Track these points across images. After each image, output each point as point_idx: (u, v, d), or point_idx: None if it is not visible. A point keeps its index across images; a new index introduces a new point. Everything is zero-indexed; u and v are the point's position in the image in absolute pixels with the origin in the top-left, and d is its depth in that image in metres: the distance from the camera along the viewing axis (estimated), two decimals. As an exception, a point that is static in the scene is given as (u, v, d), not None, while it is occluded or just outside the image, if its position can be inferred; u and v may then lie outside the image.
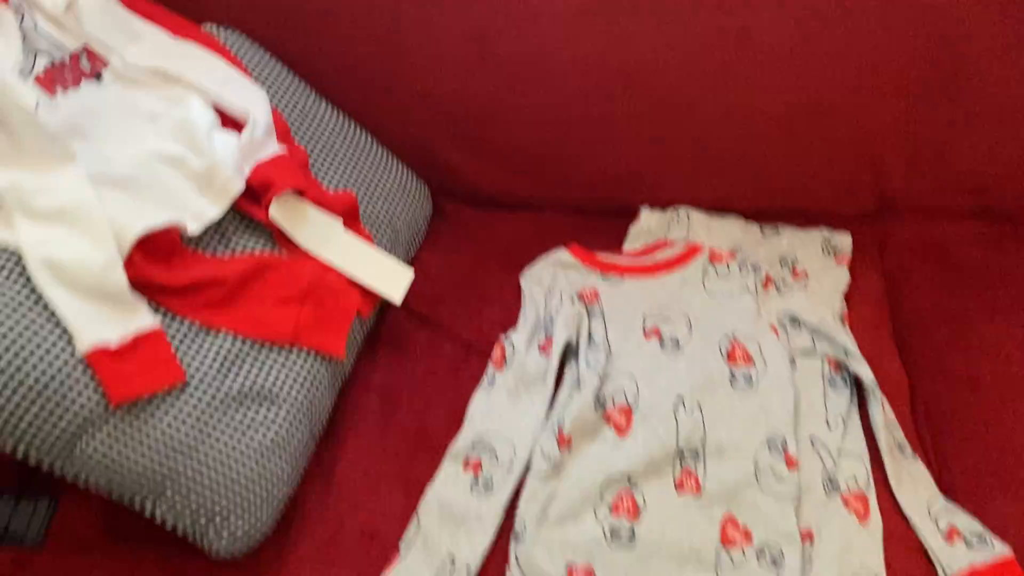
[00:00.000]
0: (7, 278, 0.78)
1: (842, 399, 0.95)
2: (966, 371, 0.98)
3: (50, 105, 0.87)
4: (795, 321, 1.01)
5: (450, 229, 1.16)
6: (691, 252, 1.08)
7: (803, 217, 1.15)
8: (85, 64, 0.92)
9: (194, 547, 0.84)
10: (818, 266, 1.09)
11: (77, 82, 0.91)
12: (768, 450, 0.89)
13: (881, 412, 0.92)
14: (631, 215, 1.16)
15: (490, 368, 0.98)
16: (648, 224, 1.15)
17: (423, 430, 0.94)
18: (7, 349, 0.74)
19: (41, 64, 0.89)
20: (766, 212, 1.16)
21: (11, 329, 0.75)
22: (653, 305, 1.04)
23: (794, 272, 1.08)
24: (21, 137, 0.82)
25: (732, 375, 0.95)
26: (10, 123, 0.81)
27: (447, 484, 0.90)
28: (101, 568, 0.85)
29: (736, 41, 1.03)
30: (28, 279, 0.78)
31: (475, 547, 0.85)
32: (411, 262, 1.11)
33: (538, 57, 1.06)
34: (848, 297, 1.07)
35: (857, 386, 0.96)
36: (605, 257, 1.10)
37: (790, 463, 0.88)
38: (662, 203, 1.16)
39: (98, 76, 0.92)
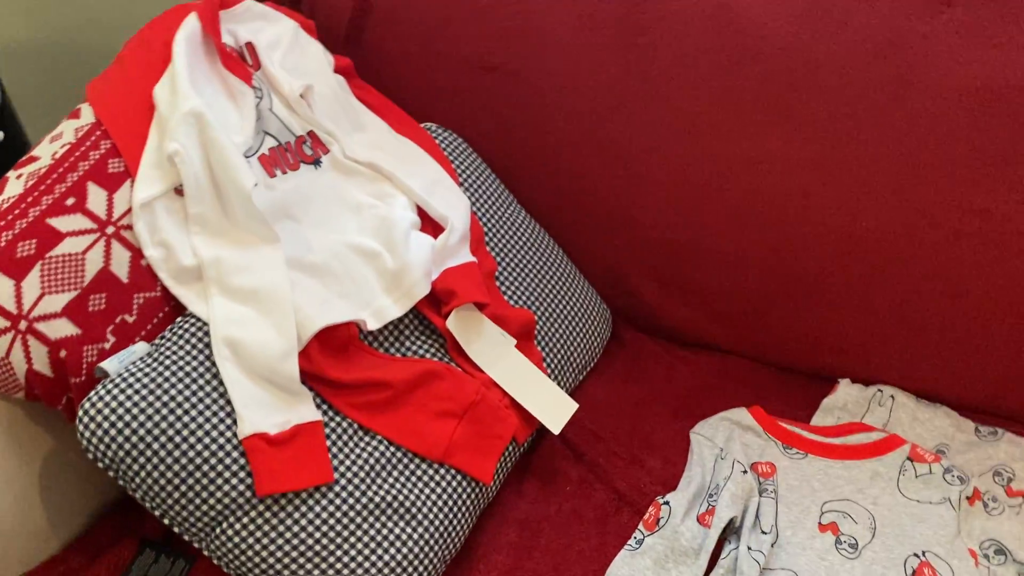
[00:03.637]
0: (194, 346, 0.81)
1: (1046, 660, 0.80)
2: None
3: (267, 184, 0.91)
4: (1000, 552, 0.87)
5: (626, 359, 1.11)
6: (890, 443, 0.96)
7: (1026, 424, 1.01)
8: (308, 149, 0.96)
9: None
10: (1040, 487, 0.94)
11: (297, 166, 0.94)
12: None
13: None
14: (827, 383, 1.06)
15: (640, 529, 0.91)
16: (846, 398, 1.04)
17: (557, 578, 0.88)
18: (174, 421, 0.76)
19: (268, 144, 0.93)
20: (981, 410, 1.02)
21: (183, 401, 0.77)
22: (835, 495, 0.93)
23: (1008, 490, 0.94)
24: (234, 214, 0.86)
25: (915, 601, 0.83)
26: (228, 199, 0.85)
27: (573, 649, 0.83)
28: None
29: (982, 222, 0.92)
30: (209, 353, 0.80)
31: None
32: (579, 387, 1.06)
33: (753, 204, 1.00)
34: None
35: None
36: (790, 427, 1.00)
37: None
38: (864, 378, 1.05)
39: (317, 162, 0.96)
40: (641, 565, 0.88)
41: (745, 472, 0.94)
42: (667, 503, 0.92)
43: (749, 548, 0.87)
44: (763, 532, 0.89)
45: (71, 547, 0.90)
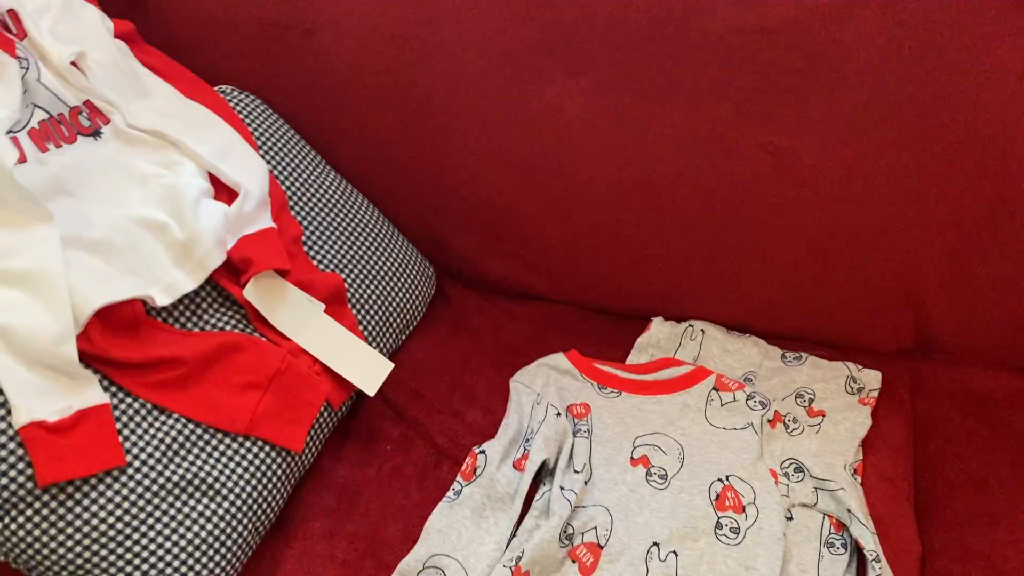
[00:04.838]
0: (-42, 338, 0.76)
1: (838, 566, 0.85)
2: (987, 551, 0.87)
3: (40, 160, 0.86)
4: (799, 470, 0.92)
5: (450, 315, 1.11)
6: (697, 375, 1.00)
7: (830, 348, 1.06)
8: (85, 120, 0.90)
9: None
10: (837, 405, 0.99)
11: (73, 138, 0.89)
12: (743, 616, 0.80)
13: (880, 588, 0.82)
14: (643, 322, 1.09)
15: (458, 479, 0.92)
16: (658, 336, 1.08)
17: (377, 538, 0.88)
18: (-61, 416, 0.72)
19: (38, 117, 0.87)
20: (789, 337, 1.07)
21: (-53, 395, 0.73)
22: (647, 429, 0.96)
23: (809, 410, 0.99)
24: (1, 193, 0.80)
25: (718, 523, 0.87)
26: (-11, 179, 0.80)
27: (388, 605, 0.84)
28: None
29: (773, 158, 0.95)
30: (-24, 342, 0.76)
31: None
32: (401, 347, 1.06)
33: (556, 156, 1.00)
34: (867, 443, 0.97)
35: (860, 555, 0.86)
36: (605, 367, 1.03)
37: (765, 633, 0.79)
38: (677, 316, 1.09)
39: (97, 133, 0.91)
40: (459, 515, 0.89)
41: (559, 415, 0.96)
42: (483, 452, 0.93)
43: (562, 488, 0.89)
44: (576, 471, 0.91)
45: None
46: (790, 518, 0.88)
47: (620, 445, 0.95)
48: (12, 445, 0.74)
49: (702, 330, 1.07)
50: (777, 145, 0.95)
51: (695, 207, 1.00)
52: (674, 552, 0.85)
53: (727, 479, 0.90)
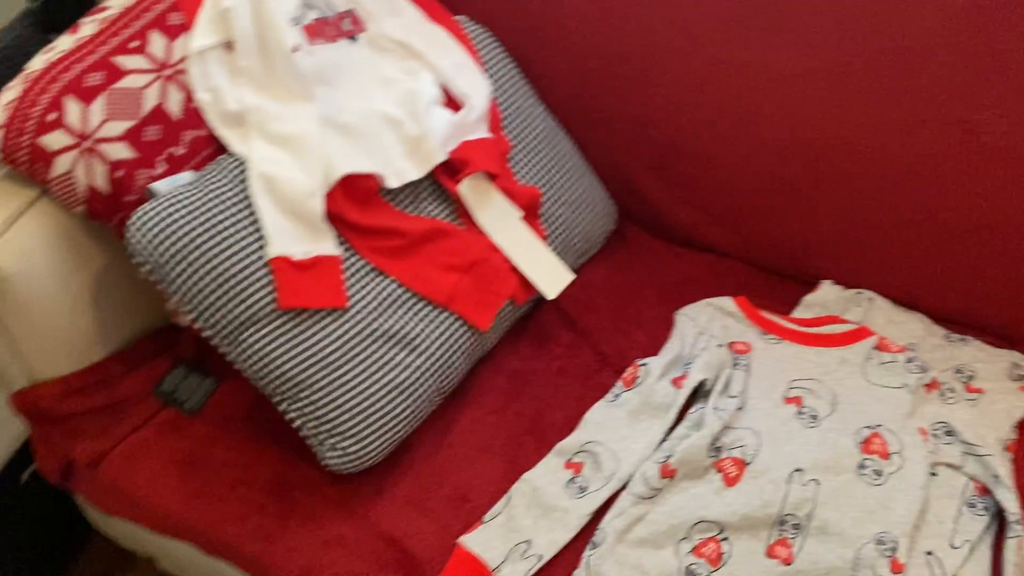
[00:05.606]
0: (233, 179, 0.91)
1: (977, 524, 0.87)
2: None
3: (308, 51, 1.01)
4: (950, 433, 0.95)
5: (625, 252, 1.20)
6: (860, 334, 1.04)
7: (998, 337, 1.07)
8: (347, 25, 1.05)
9: (310, 455, 0.93)
10: (997, 387, 1.01)
11: (335, 38, 1.04)
12: (876, 546, 0.84)
13: (1016, 552, 0.84)
14: (809, 286, 1.14)
15: (618, 385, 1.00)
16: (826, 297, 1.12)
17: (538, 420, 0.98)
18: (212, 236, 0.87)
19: (312, 16, 1.03)
20: (955, 321, 1.09)
21: (220, 221, 0.88)
22: (803, 375, 1.01)
23: (967, 387, 1.01)
24: (277, 70, 0.96)
25: (862, 464, 0.91)
26: (272, 56, 0.96)
27: (545, 475, 0.93)
28: (232, 447, 0.97)
29: (964, 135, 0.98)
30: (246, 186, 0.91)
31: (553, 539, 0.88)
32: (578, 270, 1.15)
33: (755, 111, 1.07)
34: (1022, 428, 0.98)
35: (1000, 520, 0.88)
36: (770, 316, 1.08)
37: (896, 568, 0.83)
38: (848, 283, 1.13)
39: (353, 38, 1.05)
40: (616, 415, 0.98)
41: (721, 346, 1.03)
42: (645, 364, 1.01)
43: (715, 408, 0.96)
44: (730, 396, 0.98)
45: (113, 357, 1.02)
46: (934, 474, 0.91)
47: (775, 383, 1.00)
48: (263, 271, 0.89)
49: (870, 298, 1.11)
50: (973, 121, 0.98)
51: (883, 175, 1.04)
52: (815, 480, 0.89)
53: (876, 427, 0.94)
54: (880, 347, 1.02)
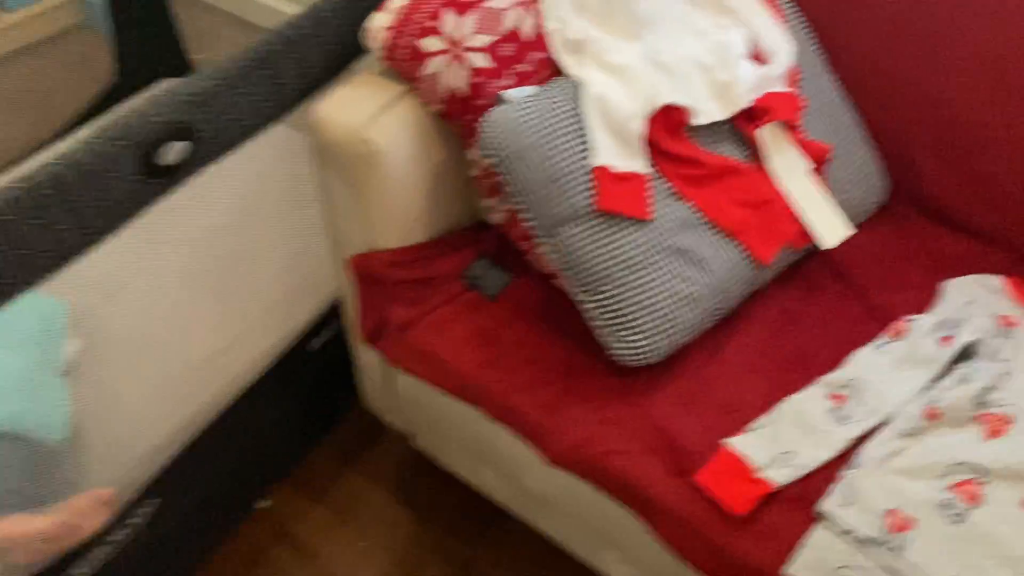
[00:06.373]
0: (570, 97, 1.05)
1: None
2: None
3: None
4: None
5: (894, 225, 1.24)
6: None
7: None
8: (671, -21, 1.17)
9: (594, 346, 1.05)
10: None
11: (661, -10, 1.16)
12: None
13: None
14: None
15: (885, 335, 1.06)
16: (1098, 292, 1.13)
17: (804, 354, 1.06)
18: (548, 140, 1.01)
19: (645, -31, 1.15)
20: None
21: (556, 129, 1.01)
22: (1074, 357, 1.03)
23: None
24: (615, 9, 1.09)
25: None
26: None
27: (810, 400, 1.00)
28: (525, 330, 1.10)
29: None
30: (579, 103, 1.04)
31: (816, 455, 0.95)
32: (847, 235, 1.22)
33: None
34: None
35: None
36: (1039, 300, 1.10)
37: None
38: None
39: (675, -9, 1.17)
40: (880, 361, 1.04)
41: (991, 316, 1.06)
42: (913, 320, 1.06)
43: (982, 371, 1.00)
44: (999, 360, 1.01)
45: (432, 241, 1.18)
46: None
47: (1043, 359, 1.03)
48: (586, 177, 1.01)
49: None
50: None
51: None
52: (1087, 449, 0.92)
53: None
54: None
